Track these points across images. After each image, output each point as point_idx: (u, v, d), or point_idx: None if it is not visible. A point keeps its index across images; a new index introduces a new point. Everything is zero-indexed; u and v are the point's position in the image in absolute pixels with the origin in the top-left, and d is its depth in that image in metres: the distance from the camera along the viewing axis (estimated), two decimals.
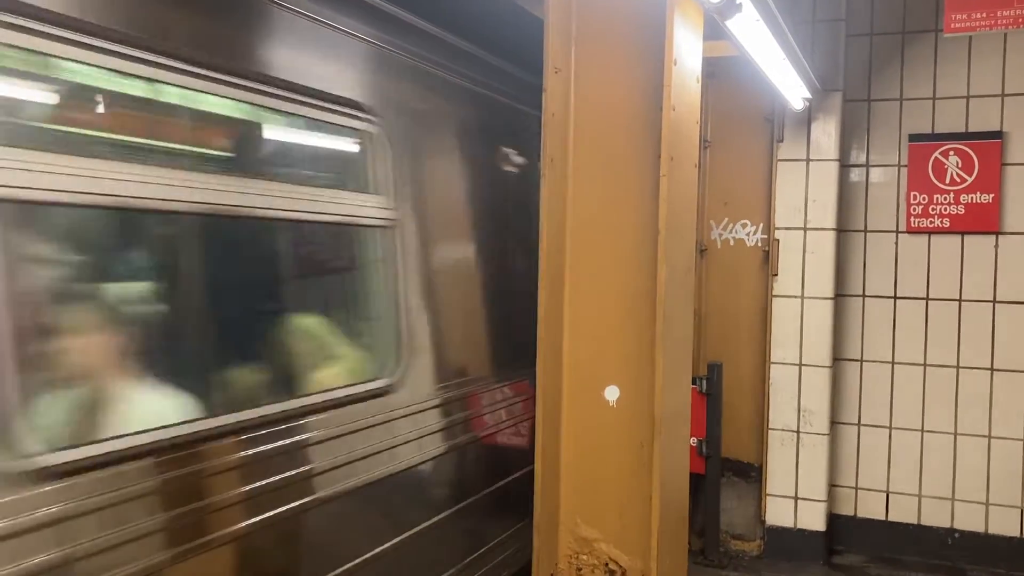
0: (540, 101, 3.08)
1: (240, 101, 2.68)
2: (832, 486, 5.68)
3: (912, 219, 5.49)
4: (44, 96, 2.24)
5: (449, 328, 3.74)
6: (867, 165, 5.63)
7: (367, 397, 3.13)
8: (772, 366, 5.56)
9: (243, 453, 2.56)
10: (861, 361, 5.67)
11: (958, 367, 5.46)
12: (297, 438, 2.78)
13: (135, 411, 2.33)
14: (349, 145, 3.30)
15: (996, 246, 5.34)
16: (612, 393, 3.08)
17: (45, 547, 1.96)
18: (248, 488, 2.56)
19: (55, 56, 2.13)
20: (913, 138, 5.50)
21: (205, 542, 2.40)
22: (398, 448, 3.27)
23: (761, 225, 5.62)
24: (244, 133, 2.86)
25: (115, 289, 2.42)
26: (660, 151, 2.92)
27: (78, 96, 2.30)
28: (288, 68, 2.83)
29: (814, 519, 5.54)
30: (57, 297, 2.22)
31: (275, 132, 3.02)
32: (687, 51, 3.00)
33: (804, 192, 5.46)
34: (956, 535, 5.49)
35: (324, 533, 2.88)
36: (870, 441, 5.67)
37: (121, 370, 2.36)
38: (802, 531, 5.55)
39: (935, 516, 5.54)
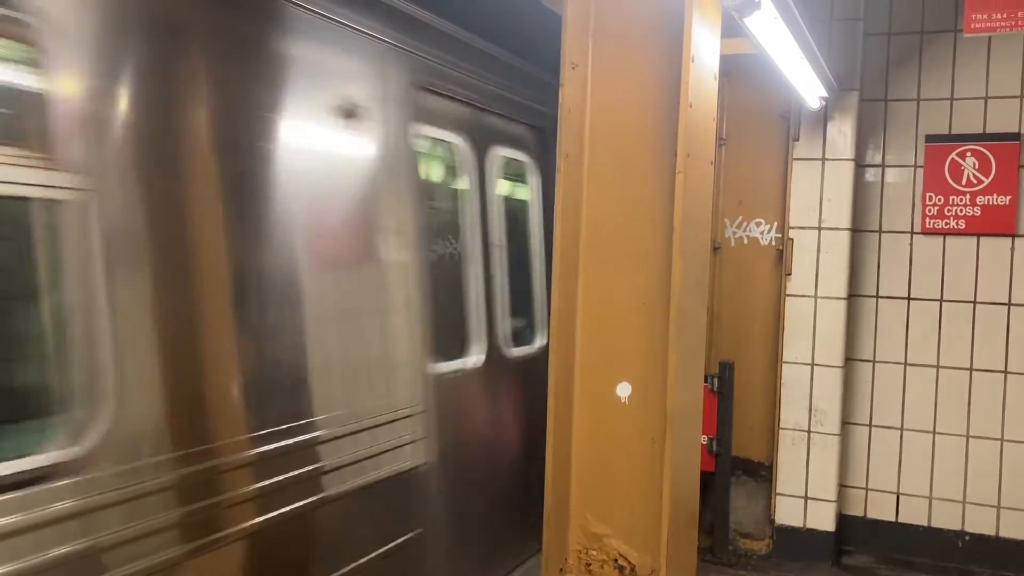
0: None
1: None
2: (842, 486, 5.67)
3: (927, 220, 5.47)
4: None
5: None
6: (883, 165, 5.61)
7: None
8: (784, 365, 5.55)
9: None
10: (874, 362, 5.65)
11: (971, 369, 5.43)
12: None
13: None
14: None
15: (1012, 248, 5.31)
16: (624, 390, 3.08)
17: None
18: None
19: None
20: (930, 139, 5.47)
21: None
22: None
23: (775, 224, 5.61)
24: None
25: None
26: (676, 148, 2.91)
27: None
28: None
29: (824, 519, 5.53)
30: None
31: None
32: (705, 48, 3.00)
33: (819, 191, 5.45)
34: (966, 538, 5.48)
35: None
36: (881, 442, 5.66)
37: None
38: (811, 531, 5.55)
39: (945, 518, 5.53)
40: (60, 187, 2.25)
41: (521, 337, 4.83)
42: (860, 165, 5.58)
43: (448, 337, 4.11)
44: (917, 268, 5.54)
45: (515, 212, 4.89)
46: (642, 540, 3.07)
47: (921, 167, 5.50)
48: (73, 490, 2.25)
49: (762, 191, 5.63)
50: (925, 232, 5.50)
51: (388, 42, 3.51)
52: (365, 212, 3.45)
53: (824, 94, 5.16)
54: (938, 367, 5.51)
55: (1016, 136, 5.27)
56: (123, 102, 2.43)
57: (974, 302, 5.41)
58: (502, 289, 4.57)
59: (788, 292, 5.53)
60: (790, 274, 5.52)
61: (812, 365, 5.49)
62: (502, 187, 4.71)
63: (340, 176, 3.32)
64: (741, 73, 5.53)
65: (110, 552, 2.35)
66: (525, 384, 4.66)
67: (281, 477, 2.93)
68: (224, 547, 2.73)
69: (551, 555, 3.15)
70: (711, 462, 5.31)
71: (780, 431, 5.58)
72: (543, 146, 4.95)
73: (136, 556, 2.42)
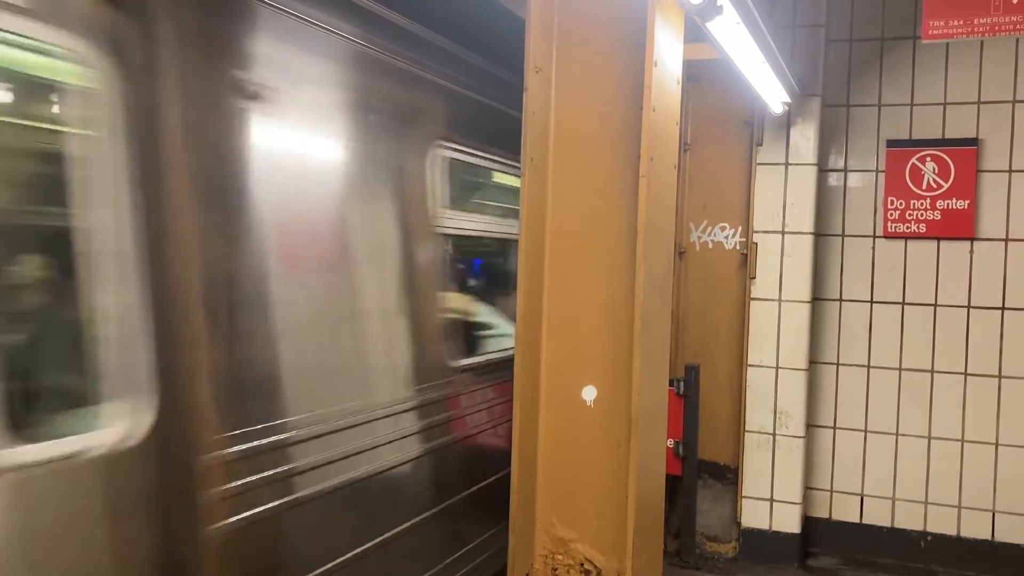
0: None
1: None
2: (807, 488, 5.71)
3: (889, 224, 5.54)
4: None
5: None
6: (845, 170, 5.67)
7: None
8: (749, 368, 5.58)
9: None
10: (837, 364, 5.71)
11: (933, 371, 5.50)
12: None
13: None
14: None
15: (971, 252, 5.39)
16: (589, 393, 3.08)
17: None
18: None
19: None
20: (891, 144, 5.54)
21: None
22: None
23: (740, 228, 5.65)
24: None
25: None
26: (640, 152, 2.92)
27: None
28: None
29: (789, 521, 5.57)
30: None
31: None
32: (668, 53, 3.01)
33: (783, 196, 5.49)
34: (929, 538, 5.54)
35: None
36: (845, 444, 5.71)
37: None
38: (777, 533, 5.58)
39: (908, 519, 5.59)
40: None
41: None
42: (823, 170, 5.64)
43: None
44: (879, 271, 5.61)
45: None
46: (608, 544, 3.07)
47: (883, 172, 5.57)
48: None
49: (726, 195, 5.67)
50: (887, 236, 5.56)
51: None
52: None
53: (787, 99, 5.20)
54: (900, 369, 5.57)
55: (974, 141, 5.36)
56: None
57: (935, 305, 5.49)
58: None
59: (752, 296, 5.57)
60: (754, 278, 5.56)
61: (777, 368, 5.53)
62: None
63: None
64: (705, 79, 5.56)
65: None
66: None
67: None
68: None
69: (517, 560, 3.13)
70: (677, 465, 5.32)
71: (745, 434, 5.61)
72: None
73: None
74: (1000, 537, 5.39)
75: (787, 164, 5.49)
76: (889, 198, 5.54)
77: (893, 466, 5.61)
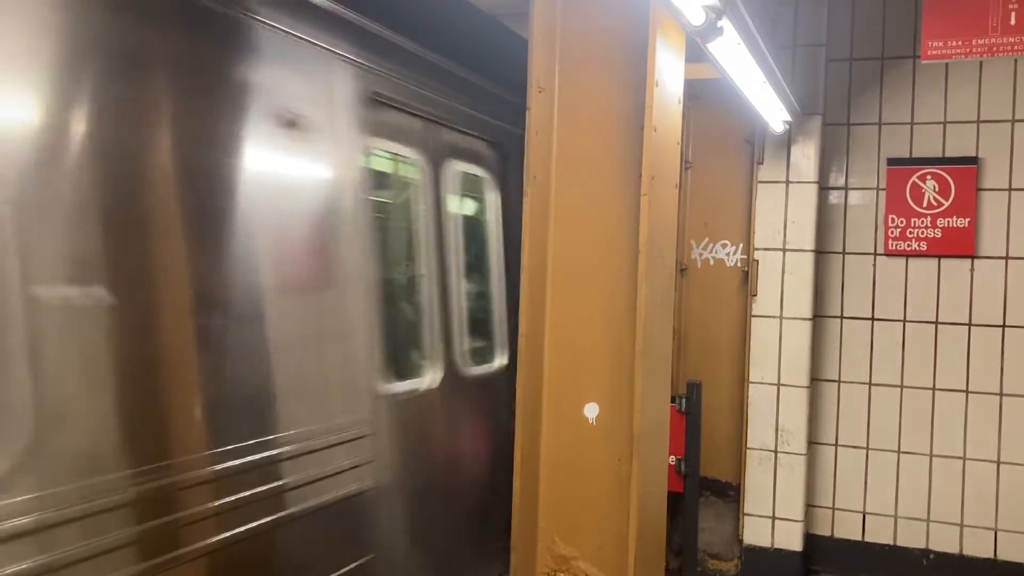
0: None
1: None
2: (809, 506, 5.70)
3: (890, 242, 5.56)
4: None
5: None
6: (846, 188, 5.70)
7: None
8: (750, 385, 5.59)
9: None
10: (839, 382, 5.71)
11: (934, 389, 5.51)
12: None
13: None
14: None
15: (972, 270, 5.41)
16: (592, 410, 3.09)
17: None
18: None
19: None
20: (891, 162, 5.57)
21: None
22: None
23: (741, 245, 5.67)
24: None
25: None
26: (641, 171, 2.94)
27: None
28: None
29: (791, 539, 5.56)
30: None
31: None
32: (669, 73, 3.04)
33: (783, 213, 5.52)
34: (931, 556, 5.53)
35: None
36: (847, 461, 5.71)
37: None
38: (779, 551, 5.57)
39: (910, 537, 5.58)
40: None
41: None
42: (824, 188, 5.66)
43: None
44: (880, 289, 5.62)
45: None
46: (610, 562, 3.07)
47: (883, 190, 5.59)
48: None
49: (728, 213, 5.70)
50: (888, 254, 5.58)
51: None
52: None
53: (788, 118, 5.24)
54: (902, 387, 5.58)
55: (974, 160, 5.38)
56: None
57: (936, 322, 5.50)
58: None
59: (754, 313, 5.58)
60: (756, 295, 5.57)
61: (778, 385, 5.53)
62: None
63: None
64: (707, 98, 5.60)
65: None
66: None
67: None
68: None
69: None
70: (679, 483, 5.31)
71: (747, 451, 5.61)
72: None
73: None
74: (1003, 555, 5.38)
75: (788, 182, 5.51)
76: (890, 216, 5.56)
77: (895, 484, 5.60)
